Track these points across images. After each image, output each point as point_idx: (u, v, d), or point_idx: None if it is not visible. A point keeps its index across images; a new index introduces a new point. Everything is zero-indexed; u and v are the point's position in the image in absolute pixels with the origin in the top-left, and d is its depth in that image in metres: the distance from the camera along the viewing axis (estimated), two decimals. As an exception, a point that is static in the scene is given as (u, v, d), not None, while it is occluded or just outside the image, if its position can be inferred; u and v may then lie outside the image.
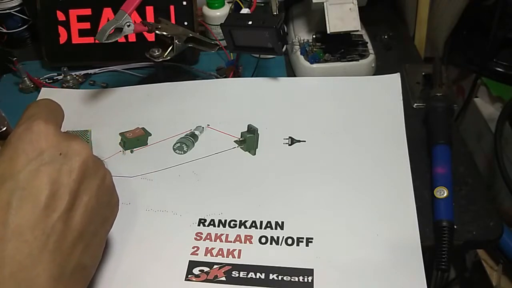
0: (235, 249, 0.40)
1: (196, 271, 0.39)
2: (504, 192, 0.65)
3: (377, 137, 0.49)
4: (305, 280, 0.38)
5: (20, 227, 0.28)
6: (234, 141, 0.50)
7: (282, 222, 0.42)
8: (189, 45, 0.56)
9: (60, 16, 0.63)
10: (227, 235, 0.42)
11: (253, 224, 0.42)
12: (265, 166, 0.48)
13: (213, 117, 0.53)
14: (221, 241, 0.41)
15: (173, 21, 0.62)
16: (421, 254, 0.38)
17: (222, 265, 0.39)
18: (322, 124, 0.51)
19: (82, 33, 0.64)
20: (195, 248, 0.41)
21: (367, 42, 0.60)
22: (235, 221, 0.43)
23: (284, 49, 0.53)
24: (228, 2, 0.66)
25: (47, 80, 0.63)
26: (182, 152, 0.50)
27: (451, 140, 0.47)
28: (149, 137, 0.52)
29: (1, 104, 0.60)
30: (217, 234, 0.42)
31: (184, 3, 0.62)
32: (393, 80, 0.54)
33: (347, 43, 0.59)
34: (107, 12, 0.62)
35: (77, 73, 0.63)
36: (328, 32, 0.55)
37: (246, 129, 0.51)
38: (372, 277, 0.38)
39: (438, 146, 0.46)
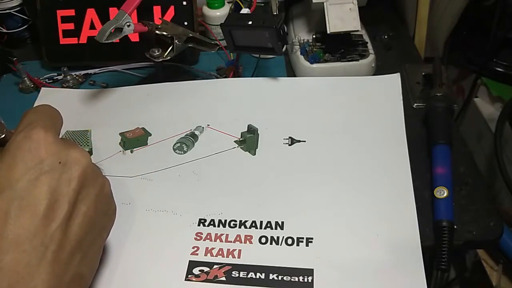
0: (235, 249, 0.40)
1: (196, 271, 0.39)
2: (504, 192, 0.65)
3: (377, 137, 0.49)
4: (305, 280, 0.38)
5: (19, 237, 0.28)
6: (234, 141, 0.50)
7: (282, 222, 0.42)
8: (189, 45, 0.56)
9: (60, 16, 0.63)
10: (227, 235, 0.42)
11: (253, 224, 0.42)
12: (265, 166, 0.48)
13: (213, 117, 0.53)
14: (221, 241, 0.41)
15: (173, 21, 0.61)
16: (421, 254, 0.38)
17: (222, 265, 0.39)
18: (322, 124, 0.51)
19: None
20: (195, 248, 0.41)
21: (367, 42, 0.60)
22: (235, 221, 0.43)
23: (284, 49, 0.53)
24: (228, 2, 0.66)
25: (47, 80, 0.63)
26: (182, 152, 0.50)
27: (451, 140, 0.47)
28: (149, 137, 0.52)
29: (1, 104, 0.60)
30: (217, 234, 0.42)
31: (184, 3, 0.62)
32: (393, 80, 0.54)
33: (347, 43, 0.59)
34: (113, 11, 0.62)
35: (77, 73, 0.63)
36: (328, 32, 0.55)
37: (246, 129, 0.51)
38: (372, 277, 0.38)
39: (438, 146, 0.46)
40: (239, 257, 0.40)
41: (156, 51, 0.54)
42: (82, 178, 0.32)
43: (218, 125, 0.52)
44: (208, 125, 0.52)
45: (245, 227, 0.42)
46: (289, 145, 0.49)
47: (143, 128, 0.53)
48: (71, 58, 0.64)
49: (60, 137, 0.35)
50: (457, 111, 0.75)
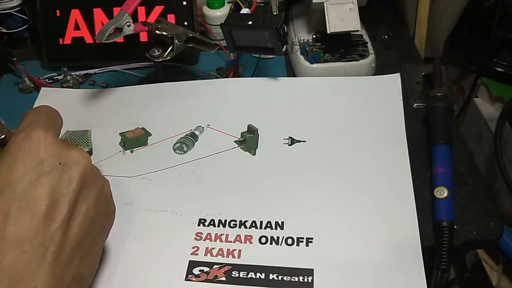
0: (235, 249, 0.40)
1: (196, 271, 0.39)
2: (504, 192, 0.65)
3: (377, 137, 0.49)
4: (305, 280, 0.38)
5: (19, 238, 0.28)
6: (234, 141, 0.50)
7: (282, 222, 0.42)
8: (189, 45, 0.56)
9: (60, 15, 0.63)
10: (227, 235, 0.42)
11: (253, 224, 0.42)
12: (265, 166, 0.48)
13: (213, 117, 0.53)
14: (221, 241, 0.41)
15: (173, 21, 0.62)
16: (421, 254, 0.38)
17: (222, 265, 0.39)
18: (322, 124, 0.51)
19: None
20: (195, 248, 0.41)
21: (367, 42, 0.60)
22: (235, 221, 0.43)
23: (284, 49, 0.53)
24: (228, 2, 0.66)
25: (47, 80, 0.63)
26: (182, 152, 0.50)
27: (451, 140, 0.47)
28: (149, 137, 0.52)
29: (1, 104, 0.60)
30: (217, 234, 0.42)
31: (184, 3, 0.62)
32: (393, 80, 0.54)
33: (347, 43, 0.59)
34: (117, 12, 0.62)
35: (77, 73, 0.63)
36: (328, 32, 0.55)
37: (246, 129, 0.51)
38: (372, 277, 0.38)
39: (438, 146, 0.46)
40: (239, 257, 0.40)
41: (156, 51, 0.55)
42: (82, 179, 0.32)
43: (218, 125, 0.52)
44: (208, 125, 0.52)
45: (245, 227, 0.42)
46: (289, 145, 0.49)
47: (143, 128, 0.53)
48: (71, 58, 0.64)
49: (60, 137, 0.35)
50: (457, 111, 0.75)
